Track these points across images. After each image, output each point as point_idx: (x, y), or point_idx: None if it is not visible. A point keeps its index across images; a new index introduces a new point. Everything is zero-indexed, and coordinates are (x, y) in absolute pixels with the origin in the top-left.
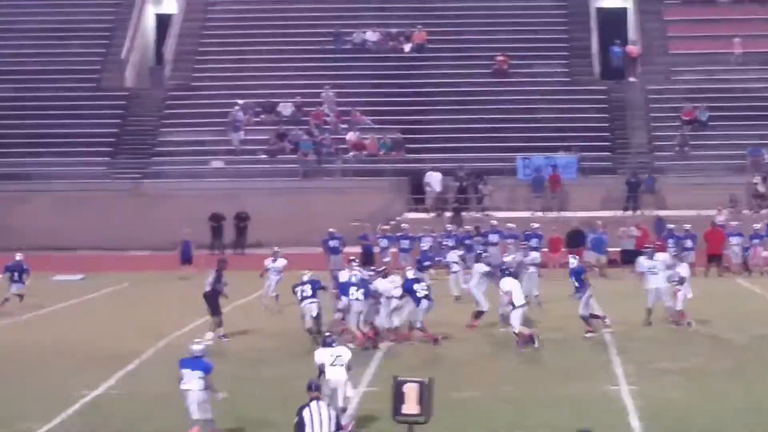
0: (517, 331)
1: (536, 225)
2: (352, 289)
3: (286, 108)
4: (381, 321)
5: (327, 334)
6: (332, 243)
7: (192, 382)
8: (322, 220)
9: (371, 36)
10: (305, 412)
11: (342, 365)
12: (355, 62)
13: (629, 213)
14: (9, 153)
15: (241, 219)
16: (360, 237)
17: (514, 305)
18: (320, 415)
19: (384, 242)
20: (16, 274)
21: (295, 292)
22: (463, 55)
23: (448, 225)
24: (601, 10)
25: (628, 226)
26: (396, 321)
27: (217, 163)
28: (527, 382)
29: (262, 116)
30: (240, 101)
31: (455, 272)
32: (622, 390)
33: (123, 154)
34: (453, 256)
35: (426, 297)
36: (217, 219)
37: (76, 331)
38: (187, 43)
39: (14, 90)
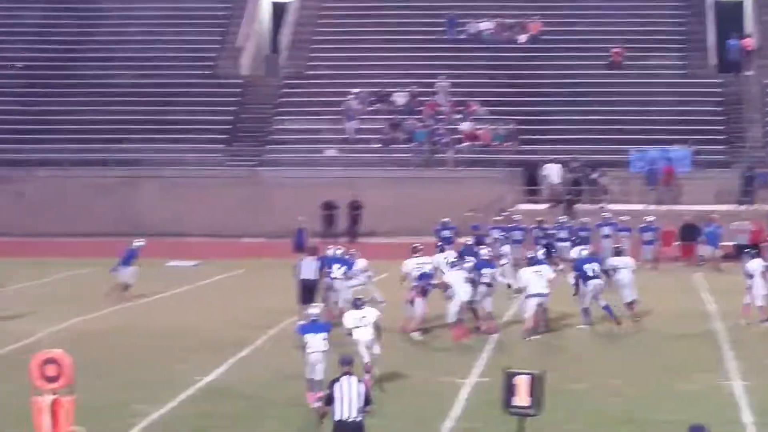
0: (526, 320)
1: (651, 218)
2: (335, 267)
3: (400, 97)
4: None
5: (357, 297)
6: (445, 233)
7: (317, 344)
8: (435, 210)
9: (486, 26)
10: (336, 387)
11: (367, 326)
12: (470, 52)
13: (743, 207)
14: (126, 139)
15: (355, 207)
16: (472, 227)
17: (529, 293)
18: (350, 389)
19: (496, 233)
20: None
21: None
22: (578, 46)
23: (561, 217)
24: (718, 3)
25: (742, 221)
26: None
27: (331, 152)
28: (637, 375)
29: (377, 105)
30: (355, 90)
31: (504, 264)
32: (735, 385)
33: (238, 141)
34: (506, 248)
35: (488, 284)
36: (329, 207)
37: (190, 317)
38: (303, 31)
39: (132, 77)
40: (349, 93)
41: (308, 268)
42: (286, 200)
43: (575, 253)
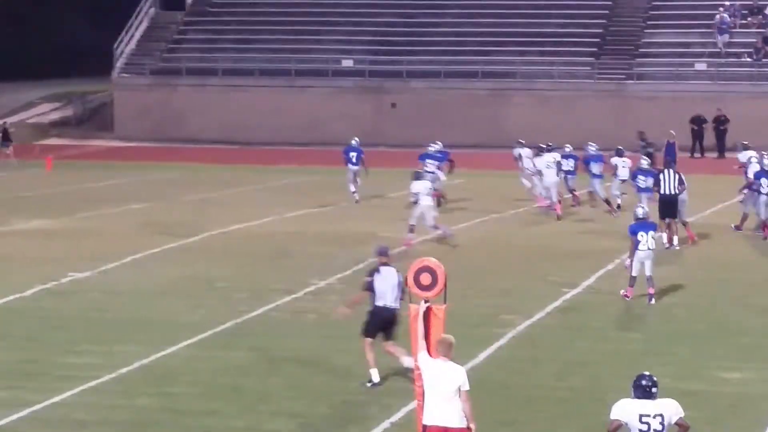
0: None
1: None
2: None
3: None
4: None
5: (417, 171)
6: None
7: (647, 241)
8: None
9: None
10: (376, 276)
11: (428, 194)
12: None
13: None
14: (496, 51)
15: (721, 122)
16: None
17: None
18: (389, 279)
19: None
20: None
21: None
22: None
23: None
24: None
25: None
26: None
27: (700, 66)
28: None
29: (749, 19)
30: (727, 2)
31: None
32: None
33: (607, 54)
34: None
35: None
36: (697, 122)
37: (555, 228)
38: None
39: None
40: (721, 6)
41: (668, 182)
42: (653, 114)
43: None
